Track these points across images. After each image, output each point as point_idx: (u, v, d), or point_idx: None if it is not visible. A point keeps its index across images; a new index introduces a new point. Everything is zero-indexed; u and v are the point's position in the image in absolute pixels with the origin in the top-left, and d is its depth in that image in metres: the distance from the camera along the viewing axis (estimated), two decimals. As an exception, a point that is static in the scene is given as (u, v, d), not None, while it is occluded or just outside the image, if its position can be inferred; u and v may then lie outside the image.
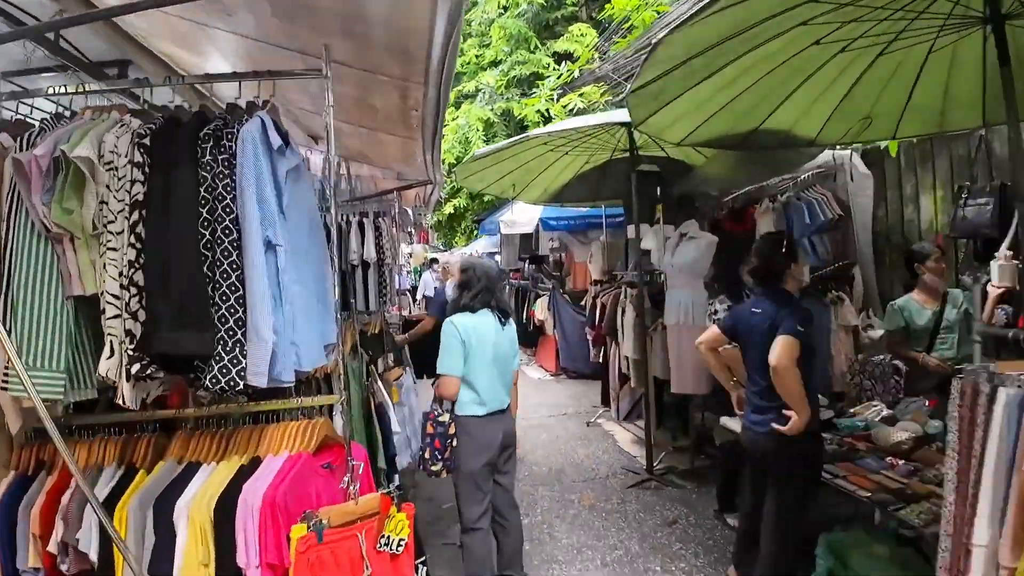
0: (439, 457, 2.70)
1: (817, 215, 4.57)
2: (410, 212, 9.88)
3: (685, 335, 4.21)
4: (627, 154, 5.06)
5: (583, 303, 6.52)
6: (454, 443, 2.72)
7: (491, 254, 15.74)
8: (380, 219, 5.35)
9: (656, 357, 4.52)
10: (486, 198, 9.44)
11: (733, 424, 3.33)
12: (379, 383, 3.63)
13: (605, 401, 5.63)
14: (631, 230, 4.71)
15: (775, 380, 2.52)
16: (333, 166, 2.08)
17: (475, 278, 2.90)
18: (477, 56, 9.86)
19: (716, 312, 3.63)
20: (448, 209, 9.86)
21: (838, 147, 4.47)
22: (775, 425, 2.57)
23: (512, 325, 3.00)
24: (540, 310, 8.54)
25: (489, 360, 2.81)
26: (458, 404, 2.79)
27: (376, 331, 4.58)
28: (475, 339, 2.77)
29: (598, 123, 4.32)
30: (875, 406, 3.48)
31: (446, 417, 2.72)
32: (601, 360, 5.65)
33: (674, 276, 4.27)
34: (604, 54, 8.30)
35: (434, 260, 10.92)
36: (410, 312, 7.85)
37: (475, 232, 10.58)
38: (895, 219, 4.72)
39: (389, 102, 2.86)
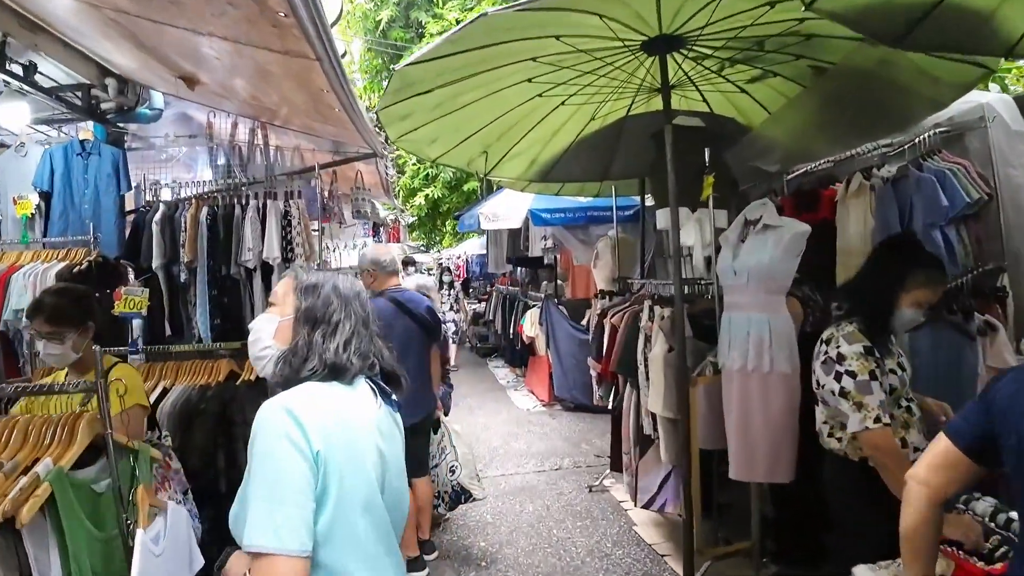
0: None
1: (958, 195, 2.93)
2: (378, 206, 8.20)
3: (757, 386, 2.55)
4: (649, 102, 3.41)
5: (585, 320, 4.84)
6: None
7: (482, 256, 14.05)
8: (290, 203, 3.68)
9: (704, 419, 2.86)
10: (466, 186, 7.78)
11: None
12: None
13: (615, 464, 3.96)
14: (661, 217, 3.06)
15: None
16: None
17: (330, 311, 1.24)
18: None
19: (827, 354, 1.96)
20: (418, 200, 8.17)
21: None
22: None
23: (395, 407, 1.34)
24: (530, 325, 6.87)
25: (369, 504, 1.15)
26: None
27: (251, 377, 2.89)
28: (342, 457, 1.11)
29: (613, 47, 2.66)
30: None
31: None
32: (611, 406, 3.97)
33: (738, 289, 2.61)
34: None
35: (407, 262, 9.24)
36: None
37: (463, 231, 8.93)
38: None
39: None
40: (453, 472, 3.22)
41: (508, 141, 3.55)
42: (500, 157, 3.70)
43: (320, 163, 4.52)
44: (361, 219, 4.72)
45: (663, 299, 3.25)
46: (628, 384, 3.51)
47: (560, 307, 6.75)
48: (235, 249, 3.59)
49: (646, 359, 3.15)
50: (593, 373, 4.05)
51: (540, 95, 3.11)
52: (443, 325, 3.71)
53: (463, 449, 3.30)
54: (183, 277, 3.65)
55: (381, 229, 9.20)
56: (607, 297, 4.30)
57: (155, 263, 3.69)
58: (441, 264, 11.46)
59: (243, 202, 3.69)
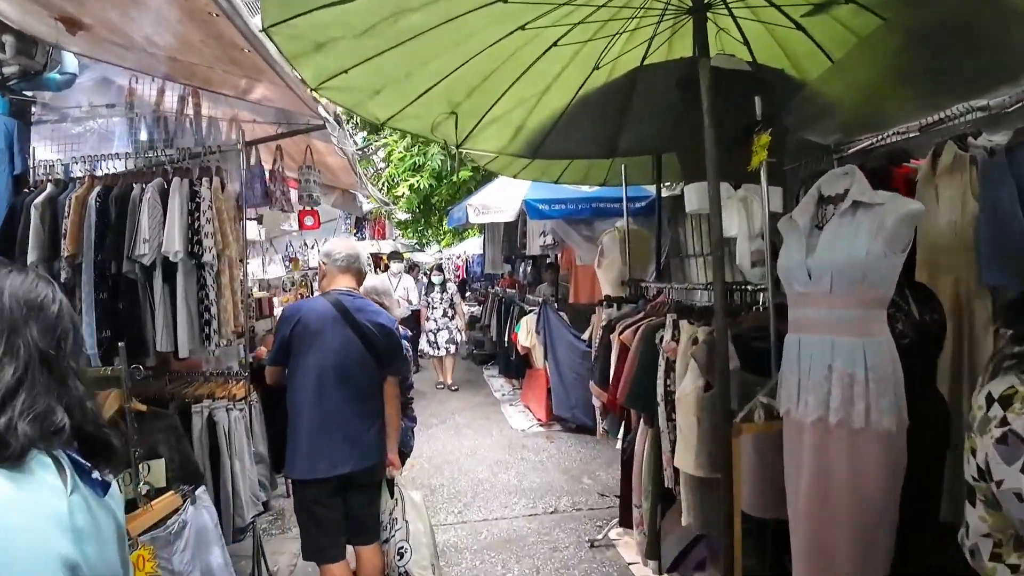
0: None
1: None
2: (360, 198, 7.36)
3: (842, 448, 1.67)
4: (671, 44, 2.55)
5: (587, 334, 3.96)
6: None
7: (480, 256, 13.14)
8: (199, 183, 2.84)
9: (752, 477, 1.98)
10: (457, 176, 6.91)
11: None
12: None
13: (625, 518, 3.08)
14: (692, 194, 2.18)
15: None
16: None
17: None
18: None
19: (1012, 429, 1.07)
20: (401, 191, 7.30)
21: None
22: None
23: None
24: (525, 333, 5.99)
25: None
26: None
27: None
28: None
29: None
30: None
31: None
32: (621, 447, 3.07)
33: (814, 299, 1.73)
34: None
35: (394, 255, 8.36)
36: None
37: (452, 225, 8.02)
38: None
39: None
40: (402, 556, 2.36)
41: (483, 99, 2.67)
42: (475, 122, 2.83)
43: (261, 138, 3.69)
44: (313, 203, 3.86)
45: (689, 311, 2.37)
46: (642, 420, 2.64)
47: (560, 313, 5.87)
48: (128, 240, 2.76)
49: (668, 393, 2.28)
50: (596, 403, 3.18)
51: (523, 27, 2.23)
52: (404, 346, 2.83)
53: (419, 525, 2.43)
54: (64, 276, 2.82)
55: (365, 224, 8.37)
56: (615, 305, 3.42)
57: (31, 257, 2.86)
58: (434, 264, 10.46)
59: (144, 182, 2.86)
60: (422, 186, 7.04)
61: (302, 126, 3.52)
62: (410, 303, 7.79)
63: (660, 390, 2.35)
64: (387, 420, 2.62)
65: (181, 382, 3.03)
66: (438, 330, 7.74)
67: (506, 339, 6.99)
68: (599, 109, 2.95)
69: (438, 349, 7.74)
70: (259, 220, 4.04)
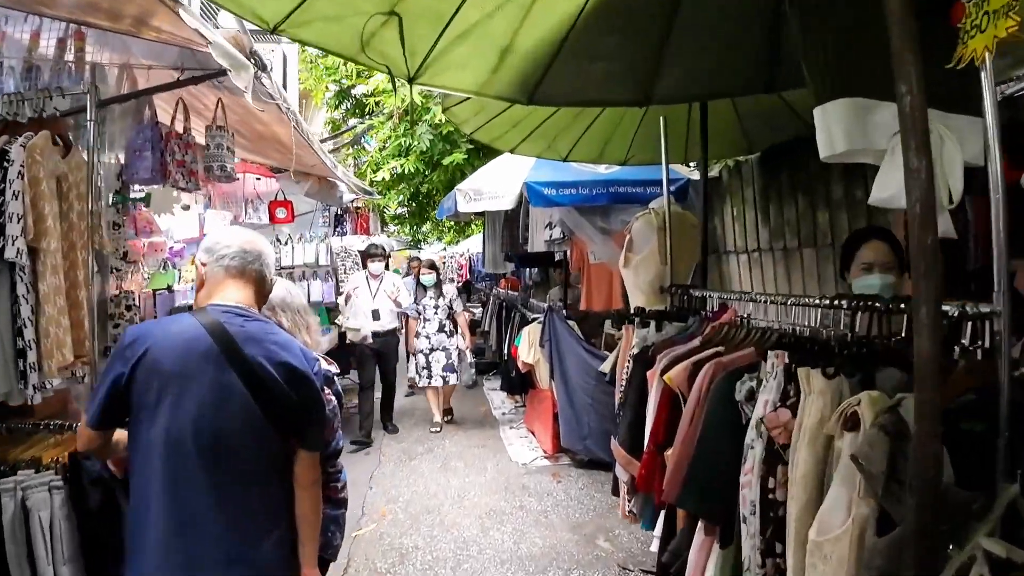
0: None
1: None
2: (341, 187, 6.32)
3: None
4: None
5: (609, 364, 2.85)
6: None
7: (479, 256, 11.94)
8: (9, 146, 1.81)
9: None
10: (449, 160, 5.83)
11: None
12: None
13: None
14: (839, 120, 1.11)
15: None
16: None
17: None
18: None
19: None
20: (380, 175, 6.22)
21: None
22: None
23: None
24: (527, 347, 4.92)
25: None
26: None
27: None
28: None
29: None
30: None
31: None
32: (659, 558, 1.96)
33: None
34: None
35: (370, 254, 6.89)
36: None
37: (441, 217, 6.91)
38: None
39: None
40: None
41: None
42: (434, 36, 1.76)
43: (149, 89, 2.65)
44: (225, 177, 2.81)
45: (815, 350, 1.29)
46: (702, 528, 1.57)
47: (570, 323, 4.80)
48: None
49: (770, 504, 1.21)
50: (622, 473, 2.10)
51: None
52: (327, 400, 1.77)
53: None
54: None
55: (346, 218, 7.31)
56: (651, 323, 2.31)
57: None
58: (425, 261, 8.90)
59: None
60: (407, 171, 5.98)
61: (199, 71, 2.47)
62: (398, 305, 6.10)
63: (752, 493, 1.27)
64: (299, 521, 1.58)
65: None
66: (431, 350, 5.70)
67: (506, 350, 5.92)
68: (628, 23, 1.87)
69: (431, 378, 5.72)
70: (142, 204, 2.99)
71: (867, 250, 1.65)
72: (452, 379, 5.80)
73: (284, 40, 7.14)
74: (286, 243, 6.75)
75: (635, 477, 1.96)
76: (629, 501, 2.13)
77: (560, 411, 4.76)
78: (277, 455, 1.54)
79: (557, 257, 6.53)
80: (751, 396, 1.33)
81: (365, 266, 5.97)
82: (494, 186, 4.49)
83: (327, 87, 8.59)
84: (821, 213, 3.43)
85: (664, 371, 1.82)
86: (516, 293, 7.20)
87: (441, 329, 5.83)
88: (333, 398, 1.85)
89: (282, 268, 6.44)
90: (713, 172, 4.92)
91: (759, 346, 1.45)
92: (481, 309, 9.67)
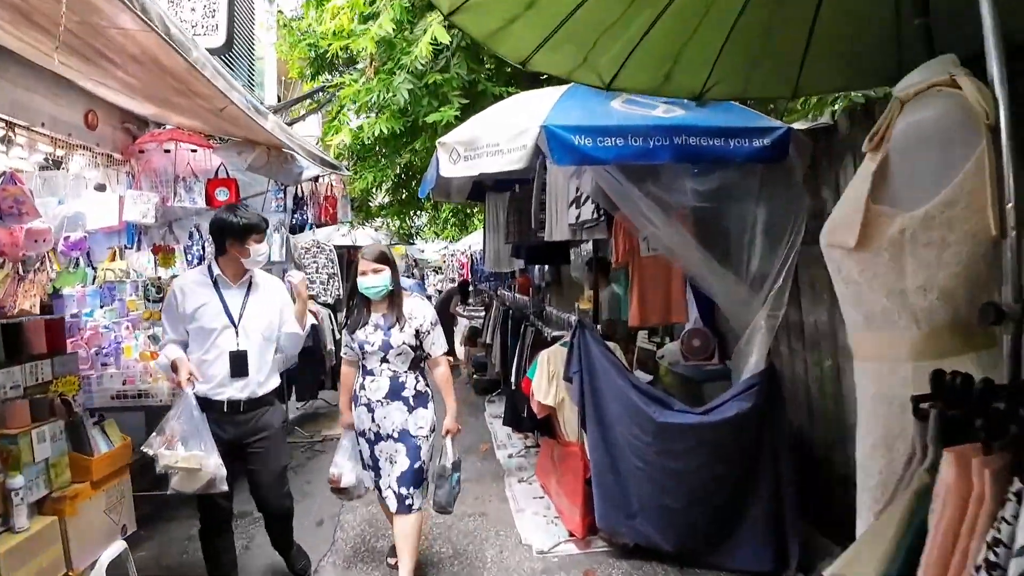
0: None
1: None
2: (299, 158, 4.69)
3: None
4: None
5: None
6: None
7: (479, 254, 10.15)
8: None
9: None
10: (436, 118, 4.19)
11: None
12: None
13: None
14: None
15: None
16: None
17: None
18: None
19: None
20: (340, 138, 4.54)
21: None
22: None
23: None
24: (545, 384, 3.29)
25: None
26: None
27: None
28: None
29: None
30: None
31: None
32: None
33: None
34: None
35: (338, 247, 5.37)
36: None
37: (424, 194, 5.20)
38: None
39: None
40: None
41: None
42: None
43: None
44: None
45: None
46: None
47: (609, 344, 3.18)
48: None
49: None
50: None
51: None
52: None
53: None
54: None
55: (306, 203, 5.67)
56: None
57: None
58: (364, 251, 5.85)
59: None
60: (380, 133, 4.36)
61: None
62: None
63: None
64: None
65: None
66: (377, 437, 2.79)
67: (513, 379, 4.29)
68: None
69: (379, 489, 2.87)
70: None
71: None
72: (415, 502, 2.77)
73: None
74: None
75: None
76: None
77: (596, 476, 3.17)
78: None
79: (582, 253, 4.92)
80: None
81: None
82: (495, 135, 2.85)
83: (303, 54, 6.84)
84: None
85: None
86: (526, 298, 5.57)
87: (396, 392, 2.75)
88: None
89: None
90: (824, 118, 3.30)
91: None
92: (484, 313, 8.04)
